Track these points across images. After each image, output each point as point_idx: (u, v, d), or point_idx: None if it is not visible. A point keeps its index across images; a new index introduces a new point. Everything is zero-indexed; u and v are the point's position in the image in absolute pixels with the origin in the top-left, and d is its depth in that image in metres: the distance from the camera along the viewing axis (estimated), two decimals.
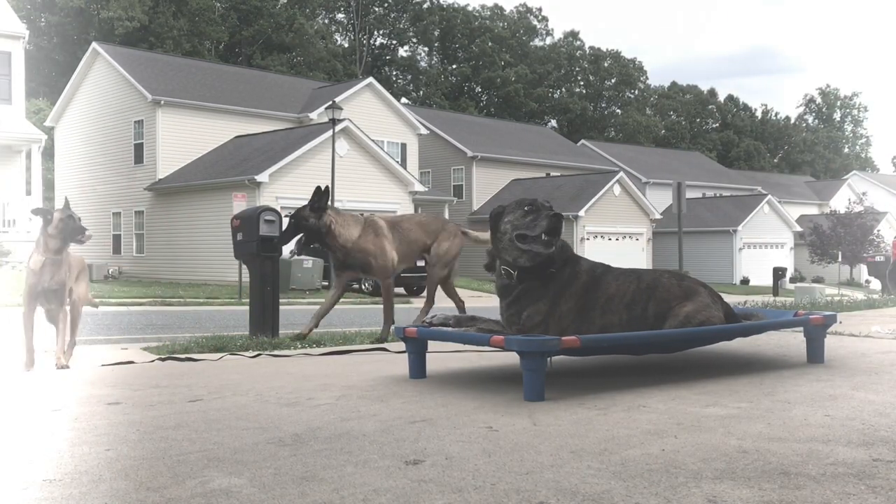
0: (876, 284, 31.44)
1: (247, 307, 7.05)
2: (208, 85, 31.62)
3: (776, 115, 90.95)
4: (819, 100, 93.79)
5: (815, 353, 4.21)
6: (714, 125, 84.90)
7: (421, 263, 7.12)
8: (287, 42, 58.86)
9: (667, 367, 4.14)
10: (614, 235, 35.48)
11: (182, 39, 52.37)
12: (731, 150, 79.25)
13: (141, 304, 16.83)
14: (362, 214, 6.83)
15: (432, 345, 4.02)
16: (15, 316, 5.98)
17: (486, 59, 69.55)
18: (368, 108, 32.44)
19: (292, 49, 59.43)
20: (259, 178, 24.21)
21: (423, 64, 71.41)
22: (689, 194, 32.94)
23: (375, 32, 70.86)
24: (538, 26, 76.90)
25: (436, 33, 70.50)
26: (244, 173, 24.92)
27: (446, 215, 32.11)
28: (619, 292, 3.78)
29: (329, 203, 6.40)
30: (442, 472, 2.14)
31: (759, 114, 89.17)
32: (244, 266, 7.50)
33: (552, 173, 40.52)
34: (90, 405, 3.46)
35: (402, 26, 70.86)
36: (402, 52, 71.57)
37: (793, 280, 39.71)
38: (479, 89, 71.91)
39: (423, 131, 35.33)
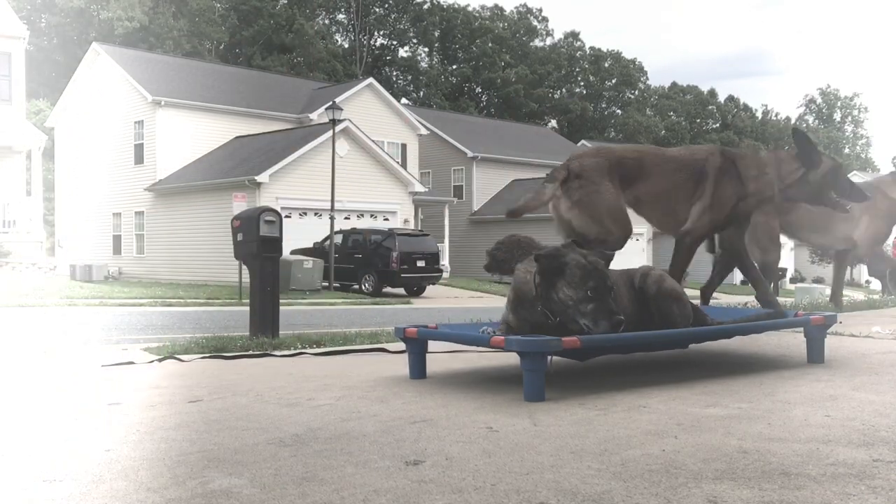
0: (876, 284, 31.40)
1: (247, 308, 7.04)
2: (208, 85, 31.61)
3: (776, 115, 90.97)
4: (819, 100, 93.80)
5: (815, 354, 4.21)
6: (714, 125, 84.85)
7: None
8: (287, 42, 58.84)
9: (667, 367, 4.14)
10: None
11: (182, 40, 52.32)
12: None
13: (141, 305, 16.82)
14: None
15: (432, 345, 4.02)
16: (13, 315, 5.95)
17: (486, 60, 69.51)
18: (368, 109, 32.43)
19: (292, 49, 59.38)
20: (259, 178, 24.21)
21: (423, 64, 71.38)
22: None
23: (376, 33, 70.85)
24: (538, 27, 76.88)
25: (436, 34, 70.47)
26: (244, 174, 24.92)
27: (446, 216, 32.08)
28: None
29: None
30: (442, 472, 2.14)
31: (759, 114, 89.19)
32: (244, 266, 7.49)
33: None
34: (90, 405, 3.46)
35: (402, 27, 70.84)
36: (403, 52, 71.57)
37: (793, 280, 39.69)
38: (479, 90, 71.89)
39: (424, 132, 35.30)
